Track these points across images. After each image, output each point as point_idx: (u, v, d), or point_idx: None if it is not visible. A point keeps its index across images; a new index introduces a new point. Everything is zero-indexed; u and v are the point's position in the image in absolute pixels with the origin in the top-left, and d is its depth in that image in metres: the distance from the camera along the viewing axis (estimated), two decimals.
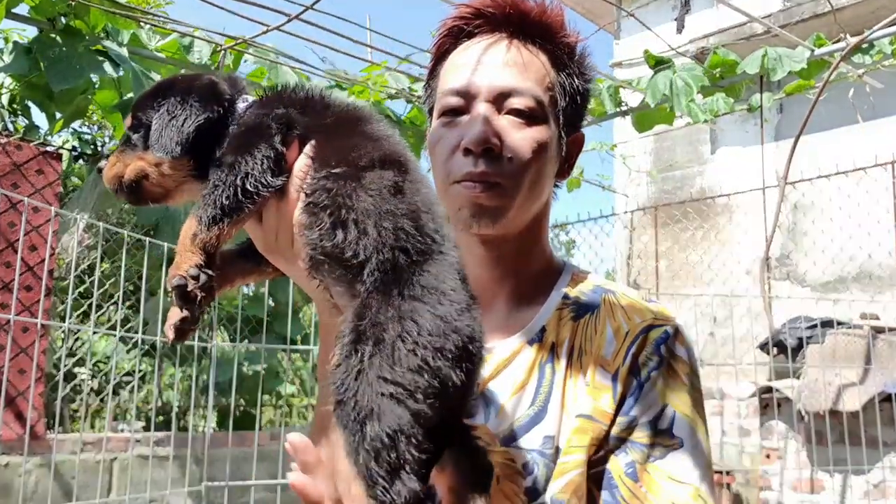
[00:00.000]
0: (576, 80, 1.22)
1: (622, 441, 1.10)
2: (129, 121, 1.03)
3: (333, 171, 0.94)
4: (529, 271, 1.23)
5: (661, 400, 1.12)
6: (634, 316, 1.18)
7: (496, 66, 1.17)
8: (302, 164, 0.96)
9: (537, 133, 1.15)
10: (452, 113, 1.18)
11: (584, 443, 1.10)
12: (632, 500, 1.08)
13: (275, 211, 0.97)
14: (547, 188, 1.22)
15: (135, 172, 1.00)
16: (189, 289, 0.90)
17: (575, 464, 1.10)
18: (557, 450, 1.11)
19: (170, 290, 0.91)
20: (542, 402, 1.13)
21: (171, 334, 0.97)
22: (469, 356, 0.84)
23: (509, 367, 1.16)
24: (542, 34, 1.20)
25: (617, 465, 1.10)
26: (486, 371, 1.15)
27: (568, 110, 1.22)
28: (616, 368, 1.13)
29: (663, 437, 1.10)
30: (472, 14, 1.21)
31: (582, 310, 1.20)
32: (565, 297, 1.22)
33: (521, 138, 1.14)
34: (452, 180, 1.15)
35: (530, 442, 1.11)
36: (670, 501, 1.07)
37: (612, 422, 1.12)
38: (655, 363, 1.13)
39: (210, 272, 0.92)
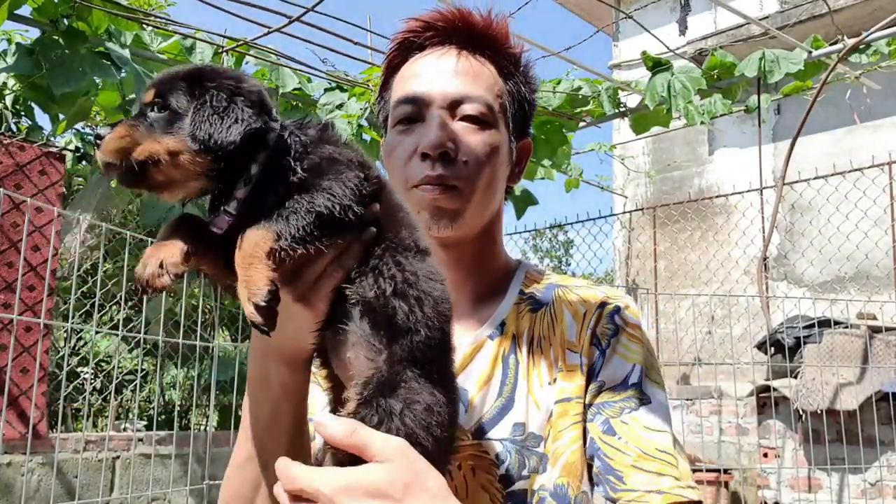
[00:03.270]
0: (522, 88, 1.28)
1: (596, 407, 1.16)
2: (149, 97, 0.93)
3: (396, 242, 0.95)
4: (487, 272, 1.29)
5: (625, 360, 1.19)
6: (589, 298, 1.25)
7: (448, 74, 1.21)
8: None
9: (490, 137, 1.20)
10: (407, 121, 1.22)
11: (570, 423, 1.16)
12: (615, 455, 1.12)
13: (339, 253, 0.92)
14: (500, 191, 1.27)
15: (146, 153, 0.89)
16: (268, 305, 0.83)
17: (566, 445, 1.15)
18: (530, 435, 1.16)
19: (253, 309, 0.82)
20: (509, 392, 1.18)
21: (258, 318, 0.85)
22: (449, 437, 0.97)
23: (474, 361, 1.21)
24: (489, 45, 1.25)
25: (595, 427, 1.15)
26: None
27: (517, 117, 1.28)
28: (581, 346, 1.20)
29: (635, 390, 1.17)
30: (422, 28, 1.26)
31: (539, 304, 1.27)
32: (521, 293, 1.29)
33: (475, 142, 1.19)
34: (411, 185, 1.19)
35: (500, 432, 1.16)
36: (654, 448, 1.12)
37: (586, 393, 1.18)
38: (612, 331, 1.21)
39: (278, 294, 0.85)
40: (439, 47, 1.25)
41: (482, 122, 1.20)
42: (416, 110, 1.20)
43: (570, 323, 1.22)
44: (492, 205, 1.24)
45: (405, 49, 1.28)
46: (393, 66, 1.30)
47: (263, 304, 0.82)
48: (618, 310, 1.23)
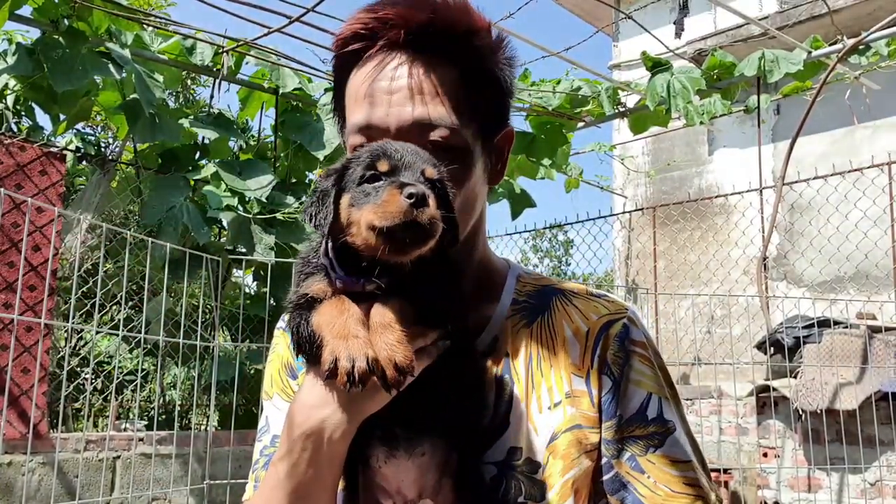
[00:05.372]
0: (496, 70, 1.15)
1: (620, 443, 1.12)
2: (431, 173, 0.99)
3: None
4: (470, 281, 1.19)
5: (641, 389, 1.14)
6: (590, 314, 1.18)
7: (403, 95, 1.08)
8: None
9: (458, 162, 1.09)
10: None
11: (579, 452, 1.12)
12: (647, 493, 1.10)
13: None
14: (479, 204, 1.18)
15: (438, 229, 0.95)
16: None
17: (574, 473, 1.11)
18: (526, 461, 1.10)
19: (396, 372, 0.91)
20: (502, 413, 1.13)
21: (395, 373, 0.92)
22: None
23: None
24: (444, 37, 1.12)
25: (622, 464, 1.12)
26: None
27: (491, 112, 1.17)
28: (586, 371, 1.14)
29: (657, 424, 1.13)
30: (366, 34, 1.12)
31: (533, 314, 1.20)
32: (514, 302, 1.21)
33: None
34: None
35: (494, 455, 1.11)
36: (682, 483, 1.11)
37: (600, 425, 1.13)
38: (623, 358, 1.15)
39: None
40: (388, 53, 1.11)
41: (447, 147, 1.09)
42: (373, 140, 1.09)
43: (572, 342, 1.16)
44: (469, 221, 1.17)
45: (351, 62, 1.15)
46: (344, 67, 1.17)
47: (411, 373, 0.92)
48: (626, 331, 1.16)
